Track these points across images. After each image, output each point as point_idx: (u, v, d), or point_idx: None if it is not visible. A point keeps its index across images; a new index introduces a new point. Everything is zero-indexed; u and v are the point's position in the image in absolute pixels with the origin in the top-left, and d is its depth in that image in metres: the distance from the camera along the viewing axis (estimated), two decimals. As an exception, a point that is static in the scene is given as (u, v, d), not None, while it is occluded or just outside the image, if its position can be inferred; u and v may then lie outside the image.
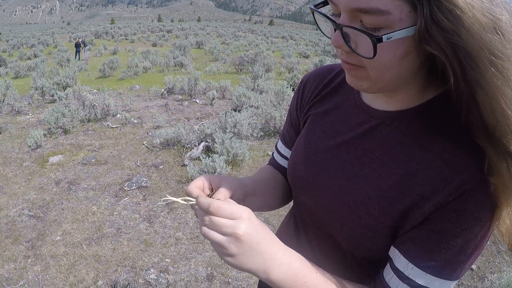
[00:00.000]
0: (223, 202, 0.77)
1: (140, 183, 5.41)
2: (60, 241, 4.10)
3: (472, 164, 0.71)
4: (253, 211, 0.97)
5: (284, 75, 16.71)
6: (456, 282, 0.78)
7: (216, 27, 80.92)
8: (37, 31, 65.79)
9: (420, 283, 0.77)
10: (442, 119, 0.78)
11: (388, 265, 0.84)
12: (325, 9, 0.78)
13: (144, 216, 4.63)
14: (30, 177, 5.59)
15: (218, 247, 0.75)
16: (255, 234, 0.76)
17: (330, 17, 0.75)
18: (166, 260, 3.85)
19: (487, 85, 0.62)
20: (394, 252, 0.82)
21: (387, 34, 0.65)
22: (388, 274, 0.83)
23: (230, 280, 3.62)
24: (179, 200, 0.85)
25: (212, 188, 0.91)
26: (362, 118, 0.93)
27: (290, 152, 1.19)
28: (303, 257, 0.83)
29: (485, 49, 0.60)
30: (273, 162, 1.31)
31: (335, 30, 0.73)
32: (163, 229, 4.38)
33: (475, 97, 0.65)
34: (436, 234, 0.75)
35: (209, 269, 3.75)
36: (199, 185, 0.87)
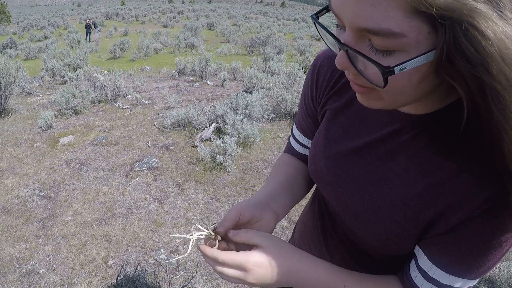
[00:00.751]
0: (226, 257, 0.82)
1: (151, 163, 5.39)
2: (71, 221, 4.10)
3: (499, 181, 0.66)
4: (283, 213, 1.07)
5: (295, 57, 16.57)
6: (478, 279, 0.79)
7: (227, 9, 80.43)
8: (47, 13, 65.92)
9: (443, 282, 0.78)
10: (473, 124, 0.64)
11: (413, 261, 0.84)
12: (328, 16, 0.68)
13: (155, 197, 4.62)
14: (41, 158, 5.59)
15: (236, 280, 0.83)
16: (266, 277, 0.82)
17: (334, 31, 0.66)
18: (176, 240, 3.84)
19: (506, 122, 0.53)
20: (418, 251, 0.82)
21: (400, 64, 0.54)
22: (414, 271, 0.83)
23: (240, 261, 3.60)
24: (189, 247, 0.87)
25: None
26: (385, 120, 0.86)
27: (309, 141, 1.17)
28: (330, 266, 0.87)
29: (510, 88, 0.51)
30: (292, 151, 1.25)
31: (340, 49, 0.63)
32: (174, 209, 4.37)
33: (499, 143, 0.57)
34: (460, 242, 0.74)
35: (219, 250, 3.73)
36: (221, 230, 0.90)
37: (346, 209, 0.94)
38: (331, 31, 0.64)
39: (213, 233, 0.87)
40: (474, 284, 0.79)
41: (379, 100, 0.68)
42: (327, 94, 1.01)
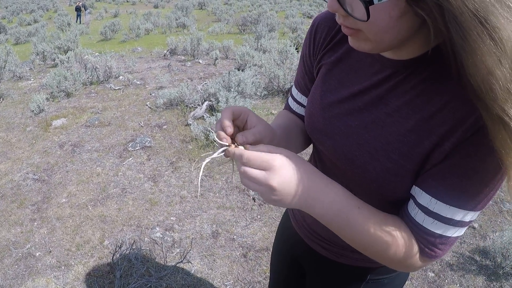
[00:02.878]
0: (253, 153, 0.78)
1: (144, 143, 5.38)
2: (65, 203, 4.11)
3: None
4: (279, 137, 1.08)
5: (287, 35, 16.48)
6: (479, 212, 0.81)
7: (218, -13, 79.60)
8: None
9: (444, 215, 0.80)
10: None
11: (411, 201, 0.87)
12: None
13: (149, 176, 4.62)
14: (34, 141, 5.57)
15: (261, 186, 0.78)
16: (289, 181, 0.78)
17: None
18: (171, 218, 3.86)
19: (472, 48, 0.60)
20: (415, 190, 0.86)
21: None
22: (413, 210, 0.86)
23: (235, 237, 3.64)
24: (215, 155, 0.85)
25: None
26: (376, 67, 0.92)
27: (305, 98, 1.23)
28: (346, 190, 0.86)
29: (473, 11, 0.58)
30: (289, 109, 1.32)
31: None
32: (168, 188, 4.38)
33: (461, 58, 0.63)
34: (456, 169, 0.78)
35: (214, 226, 3.76)
36: (228, 130, 0.87)
37: (343, 156, 0.99)
38: None
39: (233, 144, 0.86)
40: (474, 218, 0.82)
41: (366, 41, 0.76)
42: (323, 50, 1.09)
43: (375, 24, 0.69)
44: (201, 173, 0.89)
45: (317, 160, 1.21)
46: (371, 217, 0.85)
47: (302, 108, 1.25)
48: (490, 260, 3.58)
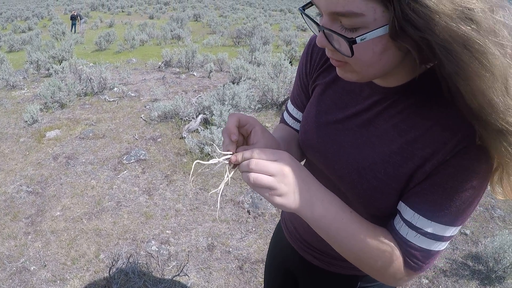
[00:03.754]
0: (263, 148, 0.84)
1: (139, 156, 5.40)
2: (60, 216, 4.10)
3: (465, 125, 0.78)
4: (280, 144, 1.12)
5: (281, 48, 16.61)
6: (459, 227, 0.87)
7: (214, 0, 79.96)
8: (31, 3, 64.86)
9: (426, 230, 0.86)
10: (437, 88, 0.80)
11: (397, 216, 0.93)
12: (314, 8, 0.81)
13: (144, 189, 4.63)
14: (27, 153, 5.56)
15: (268, 191, 0.81)
16: (299, 171, 0.85)
17: (315, 18, 0.82)
18: (167, 231, 3.88)
19: (466, 74, 0.65)
20: (401, 206, 0.92)
21: (361, 35, 0.69)
22: (398, 223, 0.92)
23: (230, 249, 3.66)
24: (220, 159, 0.86)
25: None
26: (367, 92, 0.99)
27: (300, 114, 1.30)
28: (339, 198, 0.92)
29: (460, 41, 0.63)
30: (285, 123, 1.37)
31: (319, 31, 0.78)
32: (163, 201, 4.40)
33: (456, 84, 0.68)
34: (436, 187, 0.84)
35: (209, 239, 3.78)
36: (233, 137, 0.90)
37: (333, 172, 1.06)
38: (313, 18, 0.80)
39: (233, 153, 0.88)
40: (455, 233, 0.88)
41: (353, 72, 0.83)
42: (318, 70, 1.15)
43: (359, 59, 0.76)
44: (222, 187, 0.89)
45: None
46: (363, 223, 0.90)
47: (298, 123, 1.31)
48: (482, 265, 3.68)
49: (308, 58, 1.19)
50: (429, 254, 0.89)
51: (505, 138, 0.69)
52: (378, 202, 0.96)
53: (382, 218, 0.99)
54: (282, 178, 0.80)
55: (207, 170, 5.04)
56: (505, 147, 0.70)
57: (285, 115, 1.37)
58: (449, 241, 0.90)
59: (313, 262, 1.35)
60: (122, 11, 44.42)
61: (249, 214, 4.23)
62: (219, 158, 0.87)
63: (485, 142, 0.75)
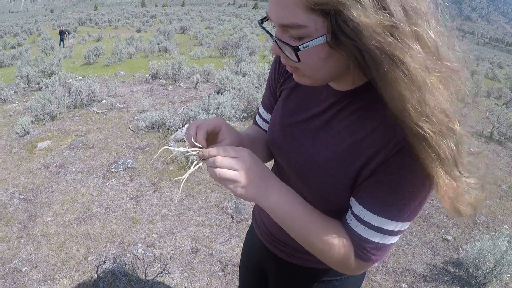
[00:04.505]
0: (228, 146, 0.98)
1: (127, 164, 5.59)
2: (51, 221, 4.27)
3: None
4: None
5: (267, 58, 16.81)
6: (408, 223, 0.95)
7: (200, 12, 80.00)
8: (20, 19, 64.76)
9: (373, 224, 0.95)
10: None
11: (349, 210, 1.02)
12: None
13: (131, 196, 4.82)
14: (20, 163, 5.72)
15: (232, 183, 0.92)
16: (257, 165, 0.96)
17: (271, 30, 0.94)
18: (153, 235, 4.06)
19: (386, 80, 0.76)
20: (352, 201, 1.01)
21: (304, 43, 0.80)
22: (349, 217, 1.01)
23: (213, 252, 3.85)
24: (188, 150, 0.99)
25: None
26: (324, 95, 1.10)
27: (269, 115, 1.42)
28: (294, 191, 1.03)
29: (383, 50, 0.72)
30: (257, 125, 1.51)
31: (273, 41, 0.90)
32: (149, 207, 4.59)
33: (380, 87, 0.80)
34: (381, 184, 0.92)
35: (193, 242, 3.97)
36: (202, 136, 1.02)
37: (294, 169, 1.17)
38: (267, 30, 0.93)
39: (203, 147, 1.00)
40: (403, 228, 0.96)
41: (305, 76, 0.94)
42: (284, 76, 1.28)
43: (308, 64, 0.87)
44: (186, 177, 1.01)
45: (276, 172, 1.38)
46: (317, 215, 1.01)
47: (267, 124, 1.44)
48: (463, 271, 3.79)
49: (276, 66, 1.32)
50: (377, 247, 0.97)
51: (420, 141, 0.79)
52: (331, 196, 1.05)
53: (338, 213, 1.07)
54: (242, 172, 0.91)
55: (193, 177, 5.23)
56: (422, 150, 0.79)
57: (257, 117, 1.50)
58: (398, 236, 0.97)
59: (278, 255, 1.44)
60: (110, 25, 44.47)
61: (232, 219, 4.44)
62: (188, 148, 0.98)
63: (411, 145, 0.82)
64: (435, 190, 0.86)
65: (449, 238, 4.35)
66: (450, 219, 4.85)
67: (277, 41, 0.87)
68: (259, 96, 7.61)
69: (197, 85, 10.51)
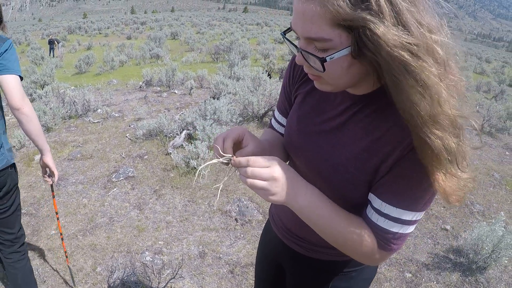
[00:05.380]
0: (256, 157, 1.03)
1: (127, 173, 5.58)
2: (55, 234, 4.25)
3: None
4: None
5: (260, 61, 16.92)
6: (422, 212, 1.05)
7: (190, 17, 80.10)
8: (8, 29, 64.44)
9: (393, 215, 1.04)
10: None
11: (369, 205, 1.11)
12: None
13: (134, 204, 4.82)
14: (18, 176, 5.67)
15: (262, 191, 1.01)
16: (286, 174, 1.03)
17: (294, 41, 1.01)
18: (159, 242, 4.06)
19: (403, 89, 0.84)
20: (371, 196, 1.10)
21: (330, 55, 0.88)
22: (369, 212, 1.10)
23: (221, 255, 3.87)
24: (221, 160, 1.08)
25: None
26: (340, 99, 1.18)
27: (285, 119, 1.51)
28: (319, 190, 1.11)
29: (400, 65, 0.82)
30: (272, 128, 1.59)
31: (297, 51, 0.98)
32: (154, 214, 4.59)
33: (396, 97, 0.88)
34: (398, 179, 1.02)
35: (200, 247, 3.98)
36: (229, 145, 1.11)
37: (312, 169, 1.24)
38: (292, 41, 1.00)
39: (231, 156, 1.08)
40: (419, 217, 1.05)
41: (327, 84, 1.03)
42: (299, 81, 1.36)
43: (331, 73, 0.95)
44: (225, 178, 1.13)
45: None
46: (340, 212, 1.09)
47: (283, 127, 1.52)
48: (463, 257, 3.92)
49: (291, 72, 1.40)
50: (397, 236, 1.07)
51: (432, 143, 0.86)
52: (351, 193, 1.13)
53: (357, 208, 1.15)
54: (272, 182, 1.00)
55: (195, 183, 5.24)
56: (429, 155, 0.88)
57: (273, 121, 1.58)
58: (414, 225, 1.07)
59: (295, 249, 1.50)
60: (100, 33, 44.37)
61: (236, 221, 4.45)
62: (219, 159, 1.08)
63: (416, 147, 0.92)
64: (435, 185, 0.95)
65: (448, 227, 4.47)
66: (448, 209, 5.01)
67: (303, 52, 0.95)
68: (255, 100, 7.65)
69: (191, 91, 10.54)
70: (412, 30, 0.80)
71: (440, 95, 0.83)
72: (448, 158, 0.88)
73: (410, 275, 3.70)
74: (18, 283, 2.79)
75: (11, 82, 2.29)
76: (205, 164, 1.13)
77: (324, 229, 1.09)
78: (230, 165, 1.09)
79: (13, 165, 2.63)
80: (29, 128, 2.44)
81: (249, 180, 1.00)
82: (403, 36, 0.80)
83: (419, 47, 0.80)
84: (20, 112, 2.34)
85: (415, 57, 0.80)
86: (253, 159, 1.02)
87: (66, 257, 3.41)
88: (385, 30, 0.79)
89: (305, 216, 1.08)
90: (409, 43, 0.80)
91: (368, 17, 0.79)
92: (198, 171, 1.17)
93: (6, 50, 2.30)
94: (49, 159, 2.73)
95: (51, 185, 3.01)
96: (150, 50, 21.15)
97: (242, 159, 1.03)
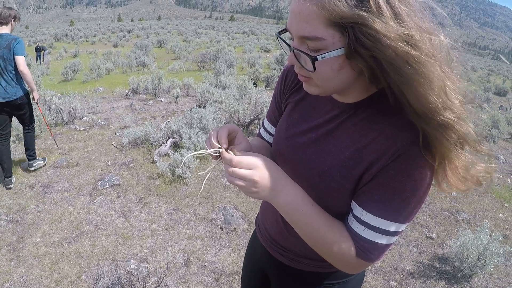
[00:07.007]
0: (241, 157, 1.07)
1: (113, 181, 5.60)
2: (40, 242, 4.25)
3: (404, 136, 0.98)
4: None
5: (246, 70, 16.99)
6: (405, 224, 1.05)
7: (177, 25, 79.85)
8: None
9: (373, 224, 1.04)
10: (386, 105, 1.03)
11: (350, 213, 1.12)
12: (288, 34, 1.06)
13: (120, 212, 4.84)
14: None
15: (243, 188, 1.06)
16: (267, 177, 1.07)
17: (288, 41, 1.04)
18: (145, 250, 4.09)
19: (408, 81, 0.87)
20: (352, 204, 1.10)
21: (321, 55, 0.91)
22: (350, 219, 1.11)
23: (206, 264, 3.90)
24: (209, 152, 1.11)
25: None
26: (328, 107, 1.21)
27: (274, 128, 1.54)
28: (305, 192, 1.15)
29: (401, 57, 0.84)
30: (261, 137, 1.62)
31: (290, 51, 1.01)
32: (139, 222, 4.61)
33: (402, 91, 0.90)
34: (380, 187, 1.02)
35: (185, 255, 4.02)
36: (225, 134, 1.15)
37: (299, 176, 1.22)
38: (286, 41, 1.04)
39: (222, 149, 1.12)
40: (401, 229, 1.05)
41: (315, 86, 1.04)
42: (290, 91, 1.40)
43: (321, 74, 0.97)
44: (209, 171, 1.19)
45: None
46: (322, 215, 1.11)
47: (271, 137, 1.56)
48: (449, 266, 3.96)
49: (283, 82, 1.44)
50: (377, 246, 1.06)
51: (444, 130, 0.89)
52: (335, 200, 1.13)
53: (341, 217, 1.15)
54: (251, 183, 1.04)
55: (180, 191, 5.27)
56: (445, 137, 0.89)
57: (261, 130, 1.61)
58: (396, 236, 1.06)
59: (279, 259, 1.51)
60: (86, 41, 44.15)
61: (222, 230, 4.49)
62: (207, 150, 1.12)
63: (429, 137, 0.92)
64: (445, 182, 0.98)
65: (433, 235, 4.53)
66: (433, 217, 5.05)
67: (295, 50, 0.98)
68: (240, 108, 7.71)
69: (177, 99, 10.59)
70: (409, 24, 0.85)
71: (444, 83, 0.88)
72: (468, 136, 0.94)
73: (395, 283, 3.74)
74: (26, 141, 5.74)
75: (20, 58, 5.03)
76: (193, 153, 1.16)
77: (304, 229, 1.12)
78: (218, 158, 1.13)
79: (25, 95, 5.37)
80: (26, 79, 5.17)
81: (230, 179, 1.06)
82: (402, 29, 0.83)
83: (418, 40, 0.84)
84: (23, 72, 5.05)
85: (416, 48, 0.84)
86: (237, 159, 1.05)
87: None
88: (384, 25, 0.83)
89: (285, 213, 1.12)
90: (409, 34, 0.84)
91: (365, 14, 0.82)
92: (185, 158, 1.21)
93: (17, 44, 5.05)
94: (35, 93, 5.60)
95: (37, 103, 5.82)
96: (136, 58, 21.13)
97: (228, 156, 1.07)
